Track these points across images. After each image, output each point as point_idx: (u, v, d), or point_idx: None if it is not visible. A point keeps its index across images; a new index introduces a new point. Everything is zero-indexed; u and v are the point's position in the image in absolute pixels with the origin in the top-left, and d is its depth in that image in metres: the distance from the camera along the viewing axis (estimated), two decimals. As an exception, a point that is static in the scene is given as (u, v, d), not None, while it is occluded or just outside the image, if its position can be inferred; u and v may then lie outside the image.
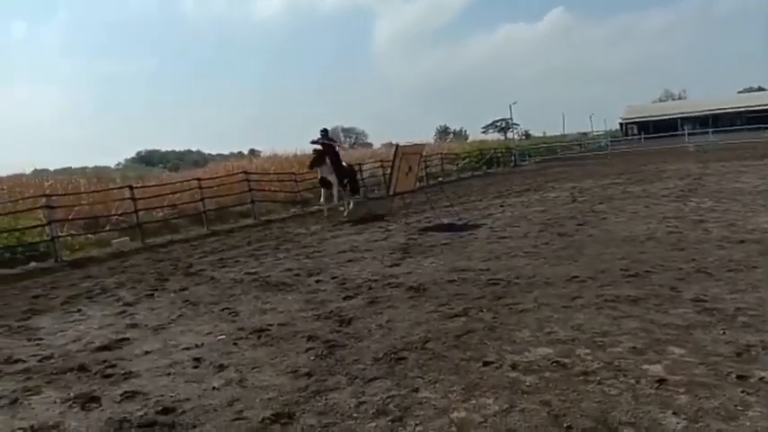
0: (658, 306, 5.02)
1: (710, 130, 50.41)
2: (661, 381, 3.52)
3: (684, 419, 3.05)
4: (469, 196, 18.25)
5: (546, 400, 3.41)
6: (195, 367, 4.59)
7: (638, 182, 17.70)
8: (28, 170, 21.67)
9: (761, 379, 3.43)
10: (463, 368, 4.04)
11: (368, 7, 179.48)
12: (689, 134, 48.59)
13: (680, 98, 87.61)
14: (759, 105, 57.62)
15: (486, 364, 4.07)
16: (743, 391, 3.30)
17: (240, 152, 59.25)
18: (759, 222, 8.59)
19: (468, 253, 8.43)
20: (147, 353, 5.07)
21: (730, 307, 4.80)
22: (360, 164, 22.85)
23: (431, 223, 12.21)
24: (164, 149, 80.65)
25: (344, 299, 6.36)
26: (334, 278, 7.52)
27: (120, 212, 14.54)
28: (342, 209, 14.87)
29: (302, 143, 15.06)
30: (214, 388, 4.10)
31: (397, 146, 13.41)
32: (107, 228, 14.16)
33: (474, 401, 3.50)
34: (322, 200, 15.03)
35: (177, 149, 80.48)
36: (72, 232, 13.19)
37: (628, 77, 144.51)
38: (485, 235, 9.99)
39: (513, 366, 3.98)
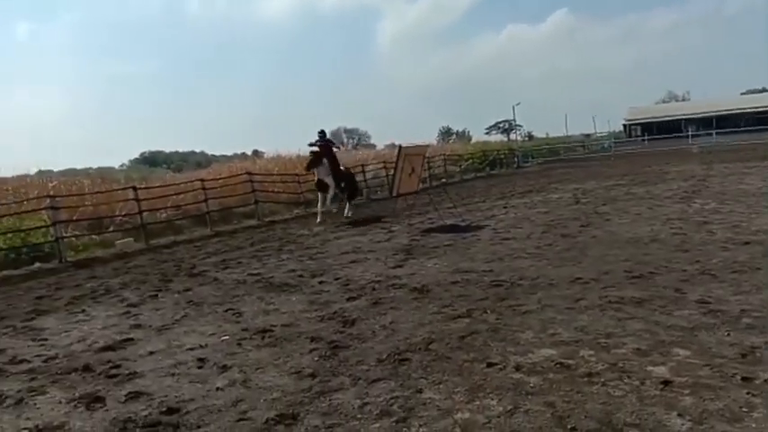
0: (663, 307, 5.02)
1: (714, 131, 50.26)
2: (666, 382, 3.51)
3: (689, 421, 3.04)
4: (472, 197, 18.24)
5: (550, 402, 3.41)
6: (199, 368, 4.60)
7: (641, 183, 17.67)
8: (32, 171, 21.75)
9: (766, 380, 3.42)
10: (467, 369, 4.04)
11: (372, 8, 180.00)
12: (692, 135, 48.49)
13: (683, 99, 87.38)
14: (763, 106, 57.43)
15: (489, 365, 4.07)
16: (748, 393, 3.29)
17: (243, 153, 59.31)
18: (763, 224, 8.56)
19: (471, 254, 8.43)
20: (151, 353, 5.08)
21: (735, 308, 4.79)
22: (363, 165, 22.88)
23: (434, 224, 12.20)
24: (167, 150, 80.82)
25: (348, 300, 6.37)
26: (337, 279, 7.52)
27: (123, 213, 14.56)
28: (335, 211, 14.74)
29: (305, 144, 14.83)
30: (218, 388, 4.11)
31: (400, 147, 13.41)
32: (111, 228, 14.18)
33: (478, 402, 3.50)
34: (319, 205, 14.82)
35: (181, 150, 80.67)
36: (76, 233, 13.21)
37: (631, 78, 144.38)
38: (488, 236, 9.98)
39: (517, 367, 3.98)
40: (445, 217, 12.94)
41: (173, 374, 4.50)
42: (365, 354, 4.56)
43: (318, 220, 14.01)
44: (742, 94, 75.56)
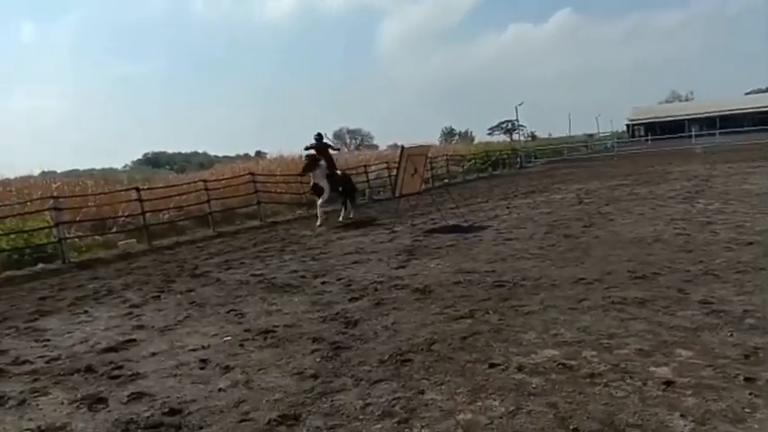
0: (665, 308, 5.00)
1: (718, 131, 50.20)
2: (668, 383, 3.50)
3: (692, 422, 3.04)
4: (475, 198, 18.22)
5: (552, 402, 3.40)
6: (201, 368, 4.61)
7: (644, 183, 17.63)
8: (35, 172, 21.77)
9: (769, 381, 3.41)
10: (469, 370, 4.04)
11: (375, 8, 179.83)
12: (696, 135, 48.35)
13: (687, 99, 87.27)
14: (766, 106, 57.32)
15: (492, 365, 4.07)
16: (750, 394, 3.28)
17: (246, 154, 59.54)
18: (767, 224, 8.53)
19: (473, 255, 8.42)
20: (153, 354, 5.09)
21: (738, 309, 4.78)
22: (365, 165, 22.88)
23: (436, 225, 12.20)
24: (170, 151, 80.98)
25: (350, 300, 6.37)
26: (339, 280, 7.52)
27: (126, 214, 14.60)
28: (325, 217, 14.46)
29: (306, 145, 14.68)
30: (220, 389, 4.12)
31: (403, 147, 13.40)
32: (114, 229, 14.21)
33: (480, 403, 3.49)
34: (318, 208, 14.67)
35: (184, 151, 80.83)
36: (79, 234, 13.25)
37: (634, 78, 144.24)
38: (490, 237, 9.97)
39: (520, 368, 3.97)
40: (448, 217, 12.93)
41: (175, 375, 4.50)
42: (367, 354, 4.56)
43: (318, 222, 13.98)
44: (746, 93, 75.44)
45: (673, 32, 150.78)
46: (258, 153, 50.45)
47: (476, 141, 67.90)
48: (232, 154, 64.54)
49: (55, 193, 13.94)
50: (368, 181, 21.94)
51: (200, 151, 78.88)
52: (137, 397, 4.10)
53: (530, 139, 78.34)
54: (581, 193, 16.28)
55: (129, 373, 4.64)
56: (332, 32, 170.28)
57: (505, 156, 38.39)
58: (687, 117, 61.31)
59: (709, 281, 5.78)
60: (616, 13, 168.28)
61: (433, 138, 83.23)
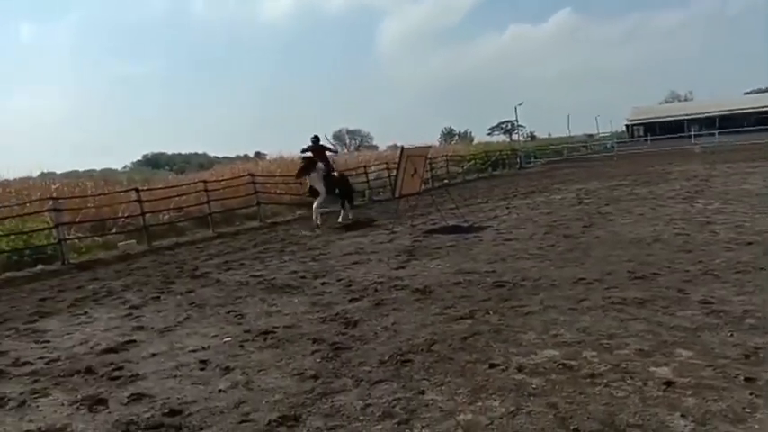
0: (665, 308, 5.00)
1: (717, 131, 50.15)
2: (668, 383, 3.50)
3: (692, 422, 3.04)
4: (475, 198, 18.23)
5: (552, 403, 3.40)
6: (201, 369, 4.61)
7: (644, 183, 17.64)
8: (35, 173, 21.75)
9: (769, 381, 3.41)
10: (469, 370, 4.04)
11: (375, 9, 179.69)
12: (695, 135, 48.39)
13: (686, 99, 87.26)
14: (766, 106, 57.30)
15: (492, 366, 4.07)
16: (751, 394, 3.28)
17: (246, 155, 59.57)
18: (766, 224, 8.54)
19: (473, 255, 8.42)
20: (153, 355, 5.09)
21: (738, 309, 4.78)
22: (365, 166, 22.89)
23: (436, 225, 12.20)
24: (170, 152, 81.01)
25: (350, 301, 6.37)
26: (339, 280, 7.52)
27: (126, 215, 14.59)
28: (323, 218, 14.39)
29: (305, 146, 14.62)
30: (220, 390, 4.11)
31: (403, 148, 13.41)
32: (113, 230, 14.20)
33: (480, 404, 3.50)
34: (315, 210, 14.56)
35: (183, 152, 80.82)
36: (79, 235, 13.24)
37: (634, 79, 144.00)
38: (490, 237, 9.97)
39: (520, 368, 3.98)
40: (447, 218, 12.93)
41: (175, 376, 4.50)
42: (367, 355, 4.56)
43: (318, 222, 13.95)
44: (745, 93, 75.42)
45: (672, 32, 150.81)
46: (258, 154, 50.54)
47: (475, 142, 67.87)
48: (232, 155, 64.61)
49: (54, 195, 13.93)
50: (368, 182, 21.94)
51: (200, 152, 78.94)
52: (137, 398, 4.10)
53: (529, 139, 78.31)
54: (581, 194, 16.29)
55: (129, 374, 4.64)
56: (331, 33, 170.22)
57: (505, 156, 38.39)
58: (686, 117, 61.29)
59: (708, 281, 5.78)
60: (616, 13, 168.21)
61: (432, 138, 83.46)
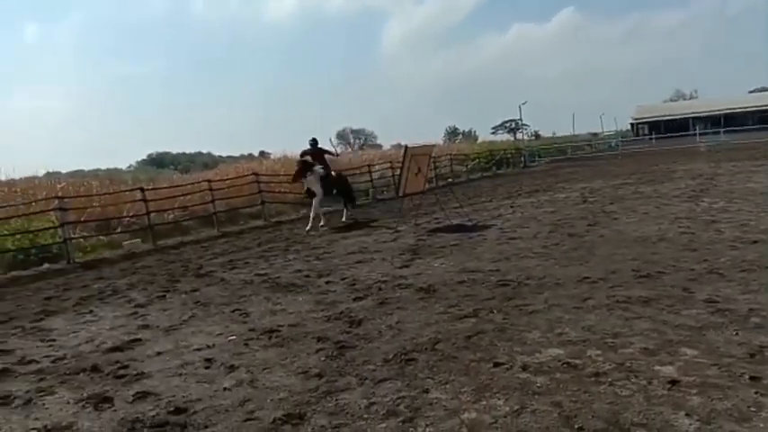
0: (670, 307, 4.99)
1: (722, 129, 50.00)
2: (673, 382, 3.50)
3: (697, 421, 3.03)
4: (479, 197, 18.21)
5: (557, 402, 3.40)
6: (206, 368, 4.62)
7: (649, 182, 17.59)
8: (40, 173, 21.88)
9: (775, 380, 3.40)
10: (474, 369, 4.04)
11: (378, 9, 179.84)
12: (700, 134, 48.14)
13: (691, 98, 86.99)
14: (771, 105, 57.11)
15: (496, 365, 4.06)
16: (756, 393, 3.27)
17: (250, 154, 59.59)
18: (772, 222, 8.51)
19: (477, 254, 8.42)
20: (158, 354, 5.10)
21: (743, 308, 4.77)
22: (369, 165, 22.89)
23: (440, 224, 12.19)
24: (174, 151, 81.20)
25: (354, 300, 6.37)
26: (343, 279, 7.53)
27: (131, 214, 14.64)
28: (320, 220, 14.31)
29: (305, 145, 14.57)
30: (225, 388, 4.13)
31: (407, 147, 13.38)
32: (119, 229, 14.25)
33: (484, 402, 3.50)
34: (318, 210, 14.44)
35: (188, 151, 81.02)
36: (84, 234, 13.29)
37: (638, 77, 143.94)
38: (494, 236, 9.96)
39: (524, 367, 3.97)
40: (451, 217, 12.92)
41: (180, 375, 4.52)
42: (372, 354, 4.56)
43: (321, 223, 13.92)
44: (750, 92, 75.15)
45: (673, 32, 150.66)
46: (262, 153, 50.53)
47: (479, 141, 67.83)
48: (236, 154, 64.63)
49: (60, 194, 13.98)
50: (371, 180, 21.94)
51: (204, 151, 79.11)
52: (142, 396, 4.12)
53: (533, 138, 78.12)
54: (585, 192, 16.25)
55: (135, 372, 4.66)
56: (334, 33, 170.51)
57: (509, 155, 38.31)
58: (691, 115, 61.20)
59: (714, 279, 5.77)
60: (617, 13, 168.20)
61: (436, 137, 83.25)
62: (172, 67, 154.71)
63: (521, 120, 59.52)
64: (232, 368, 4.54)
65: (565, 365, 3.93)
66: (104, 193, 15.30)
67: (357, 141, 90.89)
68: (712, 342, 4.10)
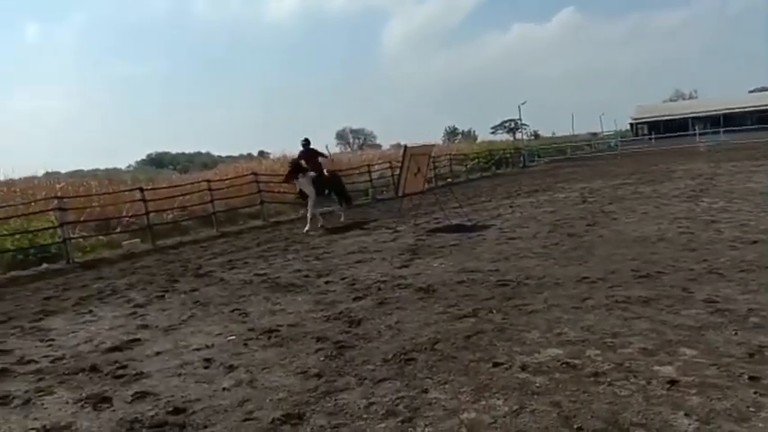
0: (670, 307, 4.99)
1: (722, 129, 50.02)
2: (672, 382, 3.49)
3: (696, 421, 3.03)
4: (478, 197, 18.21)
5: (556, 401, 3.40)
6: (206, 368, 4.62)
7: (648, 182, 17.59)
8: (39, 173, 21.89)
9: (774, 380, 3.40)
10: (473, 369, 4.04)
11: (378, 9, 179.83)
12: (700, 134, 48.15)
13: (691, 98, 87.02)
14: (771, 105, 57.14)
15: (495, 365, 4.06)
16: (755, 393, 3.27)
17: (249, 154, 59.66)
18: (771, 222, 8.51)
19: (477, 254, 8.42)
20: (157, 354, 5.10)
21: (742, 308, 4.77)
22: (368, 165, 22.89)
23: (440, 224, 12.19)
24: (174, 151, 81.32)
25: (354, 300, 6.37)
26: (343, 279, 7.53)
27: (130, 214, 14.64)
28: (309, 226, 14.27)
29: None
30: (224, 388, 4.12)
31: (406, 147, 13.37)
32: (118, 229, 14.25)
33: (484, 402, 3.49)
34: (315, 211, 14.38)
35: (187, 151, 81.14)
36: (83, 234, 13.29)
37: (638, 77, 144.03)
38: (494, 236, 9.96)
39: (523, 367, 3.97)
40: (451, 217, 12.92)
41: (179, 375, 4.51)
42: (371, 354, 4.56)
43: (320, 223, 13.90)
44: (750, 92, 75.18)
45: (673, 32, 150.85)
46: (261, 153, 50.56)
47: (479, 140, 67.95)
48: (235, 154, 64.73)
49: (59, 194, 13.99)
50: (371, 180, 21.93)
51: (204, 151, 79.26)
52: (141, 396, 4.12)
53: (533, 138, 78.14)
54: (584, 192, 16.25)
55: (134, 372, 4.65)
56: (335, 33, 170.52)
57: (509, 155, 38.33)
58: (691, 115, 61.24)
59: (713, 279, 5.76)
60: (617, 13, 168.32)
61: (436, 137, 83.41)
62: (172, 68, 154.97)
63: (520, 120, 59.66)
64: (231, 368, 4.54)
65: (564, 365, 3.93)
66: (104, 193, 15.31)
67: (356, 141, 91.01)
68: (711, 342, 4.10)
